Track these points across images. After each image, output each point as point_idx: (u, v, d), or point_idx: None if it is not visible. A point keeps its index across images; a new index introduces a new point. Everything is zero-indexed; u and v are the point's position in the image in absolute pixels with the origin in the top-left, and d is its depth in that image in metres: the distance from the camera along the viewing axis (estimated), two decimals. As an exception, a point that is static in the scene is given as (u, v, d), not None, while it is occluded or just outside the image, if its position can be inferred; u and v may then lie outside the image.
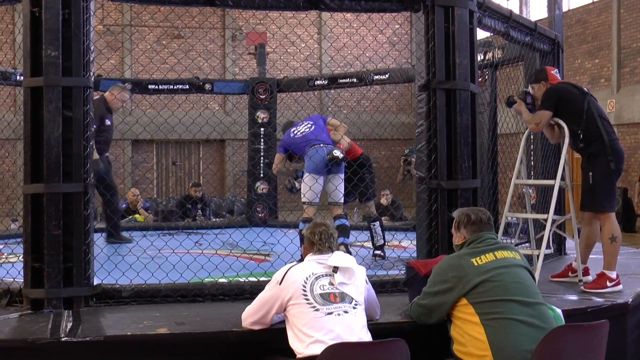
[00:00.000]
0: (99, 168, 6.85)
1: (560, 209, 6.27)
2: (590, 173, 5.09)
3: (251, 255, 6.91)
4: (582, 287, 5.05)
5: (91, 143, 4.47)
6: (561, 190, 5.93)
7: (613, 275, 5.01)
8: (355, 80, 10.39)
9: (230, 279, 5.10)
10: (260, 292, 3.72)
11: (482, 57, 7.57)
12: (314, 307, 3.45)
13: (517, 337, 3.37)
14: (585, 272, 5.30)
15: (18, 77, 8.95)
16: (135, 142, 20.51)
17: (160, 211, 12.96)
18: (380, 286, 4.77)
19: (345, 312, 3.49)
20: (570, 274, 5.40)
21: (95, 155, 6.24)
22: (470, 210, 3.89)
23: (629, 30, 17.20)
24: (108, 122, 7.65)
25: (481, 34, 5.76)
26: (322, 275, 3.57)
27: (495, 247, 3.68)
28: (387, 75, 10.21)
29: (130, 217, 11.71)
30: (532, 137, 6.41)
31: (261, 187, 10.75)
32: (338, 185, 6.62)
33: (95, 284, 4.47)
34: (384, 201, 11.81)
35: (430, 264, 4.02)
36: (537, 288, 3.70)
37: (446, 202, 4.90)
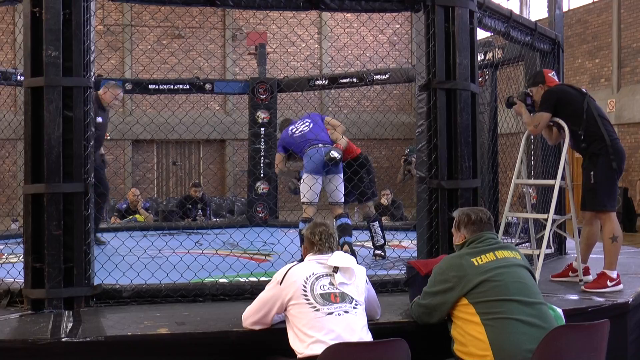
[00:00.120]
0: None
1: (560, 209, 6.27)
2: (592, 172, 5.09)
3: (252, 255, 6.91)
4: (582, 287, 5.05)
5: (92, 143, 4.47)
6: (561, 190, 5.93)
7: (614, 274, 5.01)
8: (355, 80, 10.40)
9: (231, 279, 5.10)
10: (260, 292, 3.72)
11: (483, 57, 7.57)
12: (315, 307, 3.45)
13: (518, 337, 3.37)
14: (586, 271, 5.30)
15: (18, 77, 8.96)
16: (136, 142, 20.51)
17: (160, 211, 12.96)
18: (381, 286, 4.77)
19: (346, 312, 3.48)
20: (570, 273, 5.40)
21: None
22: (470, 210, 3.89)
23: (629, 30, 17.21)
24: (100, 120, 7.59)
25: (481, 34, 5.76)
26: (323, 275, 3.57)
27: (495, 246, 3.68)
28: (387, 75, 10.21)
29: (130, 217, 11.72)
30: (532, 137, 6.41)
31: (262, 187, 10.75)
32: (338, 185, 6.62)
33: (95, 284, 4.47)
34: (384, 201, 11.81)
35: (431, 263, 4.02)
36: (538, 288, 3.70)
37: (446, 202, 4.90)
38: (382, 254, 6.98)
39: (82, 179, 4.35)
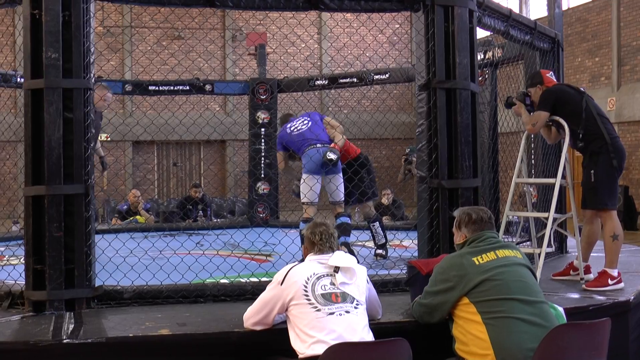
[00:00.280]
0: None
1: (561, 208, 6.27)
2: (592, 171, 5.09)
3: (253, 256, 6.92)
4: (583, 286, 5.05)
5: (92, 144, 4.47)
6: (562, 189, 5.93)
7: (614, 273, 5.01)
8: (355, 80, 10.39)
9: (232, 279, 5.10)
10: (261, 292, 3.72)
11: (482, 56, 7.57)
12: (316, 307, 3.45)
13: (519, 336, 3.37)
14: (587, 270, 5.30)
15: (19, 79, 8.96)
16: (136, 144, 20.51)
17: (161, 212, 12.95)
18: (382, 286, 4.78)
19: (347, 312, 3.48)
20: (571, 272, 5.40)
21: None
22: (471, 209, 3.89)
23: (629, 28, 17.19)
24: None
25: (481, 33, 5.76)
26: (324, 275, 3.57)
27: (496, 245, 3.68)
28: (387, 75, 10.21)
29: (131, 218, 11.72)
30: (532, 136, 6.41)
31: (262, 187, 10.75)
32: (339, 185, 6.62)
33: (96, 285, 4.48)
34: (385, 200, 11.81)
35: (432, 263, 4.02)
36: (539, 287, 3.70)
37: (447, 201, 4.90)
38: (384, 253, 6.98)
39: (82, 181, 4.35)
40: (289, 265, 3.65)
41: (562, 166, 5.24)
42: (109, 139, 18.01)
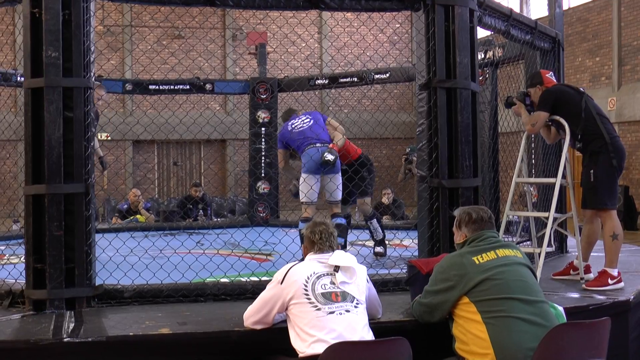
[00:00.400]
0: None
1: (561, 207, 6.27)
2: (592, 171, 5.09)
3: (253, 255, 6.92)
4: (583, 285, 5.05)
5: (92, 144, 4.48)
6: (562, 188, 5.93)
7: (614, 272, 5.01)
8: (356, 79, 10.40)
9: (232, 278, 5.11)
10: (262, 291, 3.72)
11: (483, 56, 7.57)
12: (316, 306, 3.45)
13: (519, 335, 3.37)
14: (587, 269, 5.30)
15: (19, 78, 8.97)
16: (137, 143, 20.51)
17: (161, 211, 12.95)
18: (382, 285, 4.78)
19: (347, 311, 3.49)
20: (571, 271, 5.40)
21: None
22: (471, 208, 3.89)
23: (629, 28, 17.19)
24: None
25: (481, 33, 5.76)
26: (324, 275, 3.57)
27: (496, 245, 3.68)
28: (387, 74, 10.22)
29: (131, 217, 11.72)
30: (532, 136, 6.41)
31: (262, 186, 10.75)
32: (338, 184, 6.62)
33: (97, 284, 4.48)
34: (385, 200, 11.82)
35: (432, 262, 4.02)
36: (539, 286, 3.70)
37: (447, 201, 4.90)
38: (382, 251, 6.97)
39: (82, 180, 4.35)
40: (289, 265, 3.65)
41: (563, 166, 5.24)
42: (109, 138, 18.02)
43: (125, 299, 4.52)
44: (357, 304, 3.55)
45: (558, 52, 6.80)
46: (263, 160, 10.74)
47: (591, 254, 5.41)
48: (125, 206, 12.22)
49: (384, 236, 7.12)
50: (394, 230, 8.23)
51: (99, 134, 7.19)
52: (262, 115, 10.75)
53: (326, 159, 6.41)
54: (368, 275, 3.81)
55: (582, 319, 3.76)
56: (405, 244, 7.24)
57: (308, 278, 3.54)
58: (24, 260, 4.43)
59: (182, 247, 6.06)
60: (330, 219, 6.56)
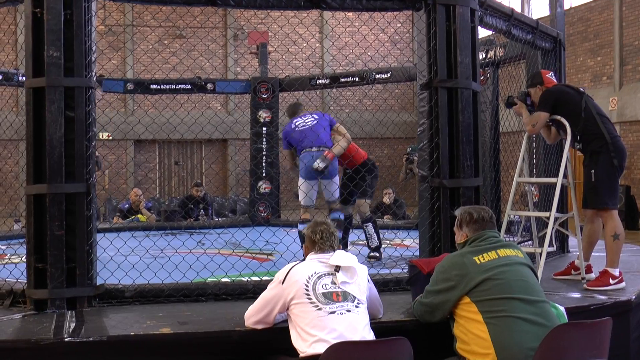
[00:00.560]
0: None
1: (562, 207, 6.26)
2: (593, 170, 5.09)
3: (254, 255, 6.92)
4: (584, 285, 5.05)
5: (93, 143, 4.48)
6: (563, 188, 5.93)
7: (616, 272, 5.01)
8: (357, 79, 10.41)
9: (233, 278, 5.11)
10: (263, 291, 3.72)
11: (484, 56, 7.57)
12: (317, 306, 3.45)
13: (521, 335, 3.36)
14: (588, 269, 5.30)
15: (20, 78, 8.98)
16: (138, 142, 20.52)
17: (163, 211, 12.96)
18: (383, 285, 4.78)
19: (348, 310, 3.48)
20: (573, 271, 5.40)
21: None
22: (472, 208, 3.88)
23: (631, 27, 17.17)
24: None
25: (483, 32, 5.76)
26: (325, 274, 3.57)
27: (497, 245, 3.68)
28: (388, 74, 10.22)
29: (133, 217, 11.72)
30: (534, 136, 6.41)
31: (264, 186, 10.76)
32: (333, 191, 6.63)
33: (98, 284, 4.48)
34: (386, 200, 11.81)
35: (433, 262, 4.02)
36: (540, 286, 3.70)
37: (448, 201, 4.90)
38: (377, 255, 6.92)
39: (84, 179, 4.36)
40: (290, 264, 3.65)
41: (564, 165, 5.24)
42: (110, 137, 18.03)
43: (126, 299, 4.52)
44: (358, 303, 3.55)
45: (559, 51, 6.79)
46: (264, 160, 10.75)
47: (592, 253, 5.40)
48: (127, 206, 12.22)
49: (380, 244, 7.04)
50: (395, 230, 8.22)
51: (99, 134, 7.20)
52: (264, 114, 10.75)
53: (315, 167, 6.40)
54: (369, 275, 3.81)
55: (584, 319, 3.76)
56: (407, 243, 7.23)
57: (309, 278, 3.54)
58: (25, 260, 4.44)
59: (183, 246, 6.07)
60: (329, 214, 6.58)
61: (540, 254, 5.22)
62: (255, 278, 5.04)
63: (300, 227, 6.39)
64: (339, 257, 3.63)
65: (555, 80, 5.62)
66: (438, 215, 4.92)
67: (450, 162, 4.94)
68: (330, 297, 3.49)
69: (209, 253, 6.24)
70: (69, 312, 4.26)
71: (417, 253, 5.28)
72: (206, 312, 4.31)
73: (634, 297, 4.74)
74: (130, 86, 10.76)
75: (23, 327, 4.01)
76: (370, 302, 3.76)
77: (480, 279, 3.52)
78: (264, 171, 10.81)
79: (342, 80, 10.52)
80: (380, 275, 4.98)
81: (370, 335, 3.53)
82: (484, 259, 3.59)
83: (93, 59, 4.48)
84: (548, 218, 5.20)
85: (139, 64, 20.44)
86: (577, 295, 4.82)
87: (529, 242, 5.98)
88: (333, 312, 3.44)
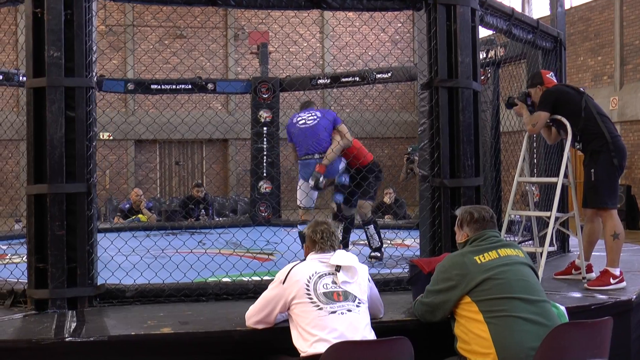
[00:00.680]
0: None
1: (563, 207, 6.26)
2: (593, 170, 5.09)
3: (254, 255, 6.92)
4: (585, 285, 5.05)
5: (94, 143, 4.48)
6: (564, 188, 5.93)
7: (616, 272, 5.01)
8: (357, 79, 10.41)
9: (234, 278, 5.11)
10: (263, 291, 3.72)
11: (485, 55, 7.57)
12: (318, 305, 3.45)
13: (521, 335, 3.36)
14: (589, 269, 5.30)
15: (21, 78, 8.99)
16: (138, 142, 20.53)
17: (163, 211, 12.97)
18: (384, 284, 4.78)
19: (349, 310, 3.49)
20: (573, 271, 5.40)
21: None
22: (473, 208, 3.88)
23: (631, 27, 17.16)
24: None
25: (483, 32, 5.75)
26: (325, 274, 3.57)
27: (498, 244, 3.68)
28: (389, 74, 10.22)
29: (133, 217, 11.72)
30: (534, 135, 6.40)
31: (264, 186, 10.76)
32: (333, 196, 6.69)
33: (99, 284, 4.48)
34: (387, 199, 11.81)
35: (434, 262, 4.02)
36: (541, 286, 3.70)
37: (449, 200, 4.90)
38: (379, 255, 6.93)
39: (84, 179, 4.36)
40: (291, 264, 3.66)
41: (564, 165, 5.24)
42: (111, 137, 18.03)
43: (127, 299, 4.52)
44: (358, 303, 3.55)
45: (560, 51, 6.79)
46: (265, 160, 10.75)
47: (593, 253, 5.40)
48: (127, 206, 12.23)
49: (382, 245, 7.04)
50: (396, 230, 8.22)
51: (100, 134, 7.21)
52: (264, 114, 10.76)
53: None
54: (370, 274, 3.81)
55: (584, 319, 3.76)
56: (407, 243, 7.23)
57: (310, 278, 3.54)
58: (26, 260, 4.44)
59: (184, 246, 6.07)
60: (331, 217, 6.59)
61: (541, 253, 5.22)
62: (256, 278, 5.04)
63: (300, 227, 6.38)
64: (340, 256, 3.63)
65: (556, 80, 5.63)
66: (439, 215, 4.92)
67: (451, 162, 4.94)
68: (331, 296, 3.49)
69: (210, 253, 6.24)
70: (70, 312, 4.26)
71: (418, 253, 5.28)
72: (207, 312, 4.31)
73: (634, 296, 4.74)
74: (130, 86, 10.76)
75: (24, 327, 4.01)
76: (371, 302, 3.76)
77: (481, 278, 3.52)
78: (264, 171, 10.81)
79: (343, 80, 10.53)
80: (381, 274, 4.98)
81: (371, 335, 3.53)
82: (484, 259, 3.59)
83: (94, 59, 4.48)
84: (549, 218, 5.20)
85: (140, 64, 20.44)
86: (577, 294, 4.82)
87: (530, 242, 5.98)
88: (334, 312, 3.44)
